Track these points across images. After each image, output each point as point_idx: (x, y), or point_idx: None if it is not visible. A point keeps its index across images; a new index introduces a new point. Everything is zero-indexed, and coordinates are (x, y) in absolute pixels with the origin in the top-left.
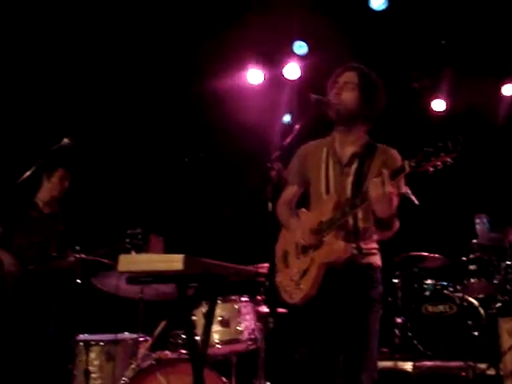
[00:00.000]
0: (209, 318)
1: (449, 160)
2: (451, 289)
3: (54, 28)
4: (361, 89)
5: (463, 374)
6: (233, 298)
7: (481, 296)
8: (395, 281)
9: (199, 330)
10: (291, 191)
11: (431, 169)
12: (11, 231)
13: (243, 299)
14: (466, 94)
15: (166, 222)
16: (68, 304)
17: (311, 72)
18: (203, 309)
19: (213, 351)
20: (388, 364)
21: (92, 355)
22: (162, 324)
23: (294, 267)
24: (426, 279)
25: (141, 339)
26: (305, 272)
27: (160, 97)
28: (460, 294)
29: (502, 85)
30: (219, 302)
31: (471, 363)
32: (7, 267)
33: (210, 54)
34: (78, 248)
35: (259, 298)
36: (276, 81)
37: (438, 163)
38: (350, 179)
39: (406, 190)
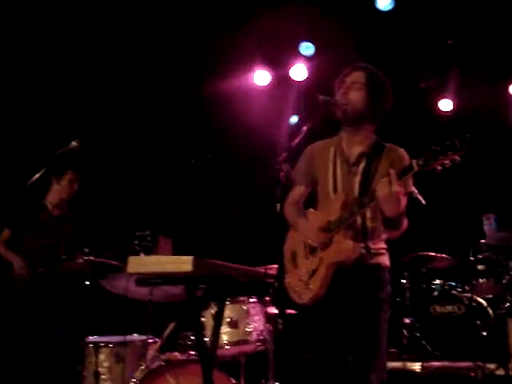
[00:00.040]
0: (218, 319)
1: (457, 158)
2: (459, 289)
3: (65, 33)
4: (368, 89)
5: (472, 374)
6: (241, 299)
7: (489, 296)
8: (403, 281)
9: (208, 331)
10: (298, 191)
11: (439, 167)
12: (20, 233)
13: (252, 300)
14: (473, 93)
15: (175, 224)
16: (77, 306)
17: (318, 73)
18: (212, 310)
19: (221, 352)
20: (396, 364)
21: (101, 357)
22: (171, 325)
23: (303, 267)
24: (435, 279)
25: (150, 341)
26: (314, 272)
27: (167, 99)
28: (468, 295)
29: (510, 84)
30: (228, 303)
31: (480, 363)
32: (17, 270)
33: (217, 55)
34: (86, 250)
35: (268, 298)
36: (283, 82)
37: (446, 162)
38: (358, 178)
39: (413, 189)
